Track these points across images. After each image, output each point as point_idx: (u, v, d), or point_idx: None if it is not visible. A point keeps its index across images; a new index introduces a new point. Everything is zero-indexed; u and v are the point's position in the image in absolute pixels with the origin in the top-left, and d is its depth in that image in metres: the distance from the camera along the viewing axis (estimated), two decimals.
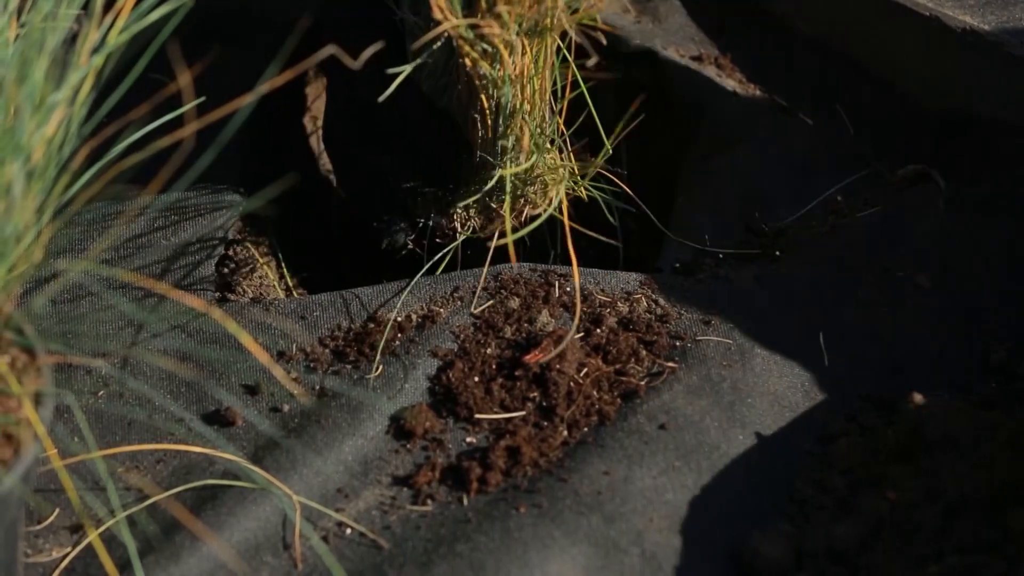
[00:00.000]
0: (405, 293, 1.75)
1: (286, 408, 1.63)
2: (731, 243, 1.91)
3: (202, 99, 1.33)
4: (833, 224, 1.91)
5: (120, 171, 1.27)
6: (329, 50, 1.59)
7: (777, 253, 1.88)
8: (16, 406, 1.28)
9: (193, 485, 1.53)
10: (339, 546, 1.48)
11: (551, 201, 1.84)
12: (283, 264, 1.90)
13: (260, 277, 1.85)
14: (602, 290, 1.77)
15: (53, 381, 1.31)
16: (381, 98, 1.60)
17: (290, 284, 1.90)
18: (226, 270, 1.83)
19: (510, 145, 1.82)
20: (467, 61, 1.75)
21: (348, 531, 1.50)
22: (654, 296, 1.77)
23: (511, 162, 1.82)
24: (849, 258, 1.84)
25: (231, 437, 1.60)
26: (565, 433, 1.59)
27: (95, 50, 1.28)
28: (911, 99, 2.06)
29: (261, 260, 1.86)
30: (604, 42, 1.86)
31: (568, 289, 1.76)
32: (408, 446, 1.59)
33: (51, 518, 1.50)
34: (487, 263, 1.78)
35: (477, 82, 1.78)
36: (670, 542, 1.48)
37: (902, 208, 1.90)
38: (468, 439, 1.60)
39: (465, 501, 1.52)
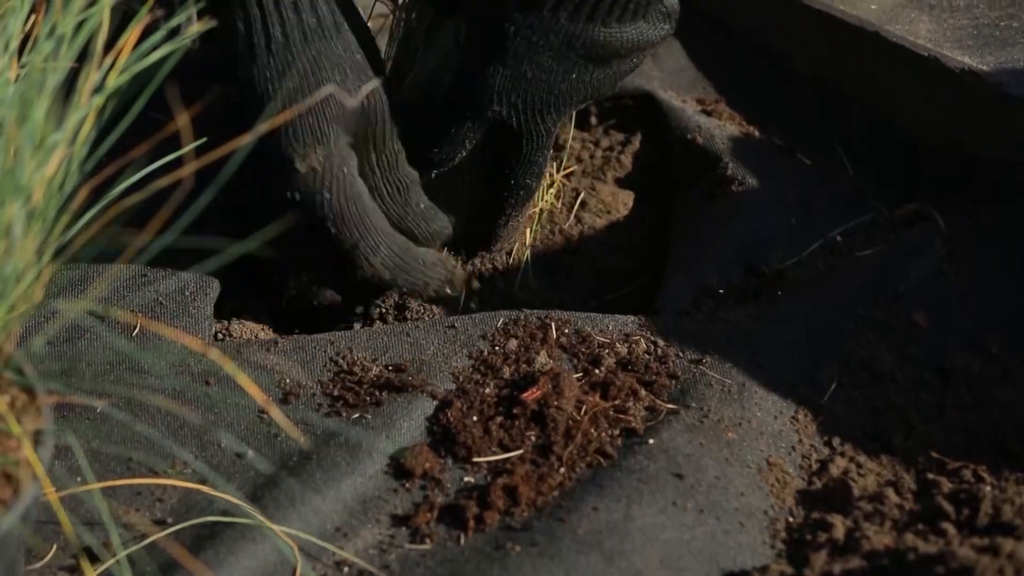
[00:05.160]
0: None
1: (285, 447, 1.63)
2: (730, 284, 1.91)
3: (203, 140, 1.34)
4: (832, 264, 1.92)
5: (120, 211, 1.27)
6: (328, 89, 1.59)
7: (778, 293, 1.89)
8: (15, 446, 1.28)
9: (192, 523, 1.53)
10: None
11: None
12: (281, 304, 1.90)
13: (258, 317, 1.86)
14: (600, 332, 1.77)
15: (52, 421, 1.31)
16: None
17: (287, 325, 1.90)
18: (225, 310, 1.83)
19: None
20: None
21: (346, 569, 1.49)
22: (653, 337, 1.78)
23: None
24: (848, 298, 1.84)
25: (230, 476, 1.59)
26: (563, 471, 1.59)
27: (96, 90, 1.29)
28: (910, 139, 2.07)
29: (259, 300, 1.86)
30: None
31: (567, 331, 1.76)
32: (407, 485, 1.59)
33: (48, 556, 1.50)
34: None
35: None
36: None
37: (901, 247, 1.91)
38: (466, 478, 1.59)
39: (462, 540, 1.52)
